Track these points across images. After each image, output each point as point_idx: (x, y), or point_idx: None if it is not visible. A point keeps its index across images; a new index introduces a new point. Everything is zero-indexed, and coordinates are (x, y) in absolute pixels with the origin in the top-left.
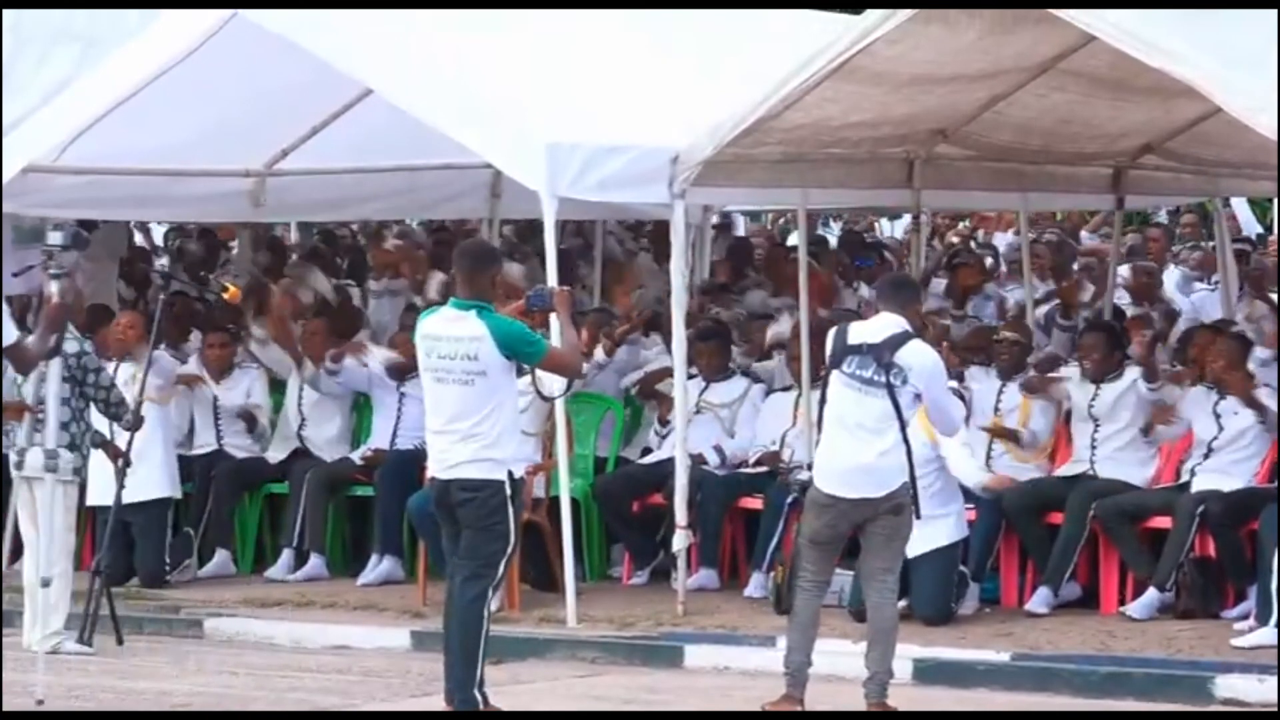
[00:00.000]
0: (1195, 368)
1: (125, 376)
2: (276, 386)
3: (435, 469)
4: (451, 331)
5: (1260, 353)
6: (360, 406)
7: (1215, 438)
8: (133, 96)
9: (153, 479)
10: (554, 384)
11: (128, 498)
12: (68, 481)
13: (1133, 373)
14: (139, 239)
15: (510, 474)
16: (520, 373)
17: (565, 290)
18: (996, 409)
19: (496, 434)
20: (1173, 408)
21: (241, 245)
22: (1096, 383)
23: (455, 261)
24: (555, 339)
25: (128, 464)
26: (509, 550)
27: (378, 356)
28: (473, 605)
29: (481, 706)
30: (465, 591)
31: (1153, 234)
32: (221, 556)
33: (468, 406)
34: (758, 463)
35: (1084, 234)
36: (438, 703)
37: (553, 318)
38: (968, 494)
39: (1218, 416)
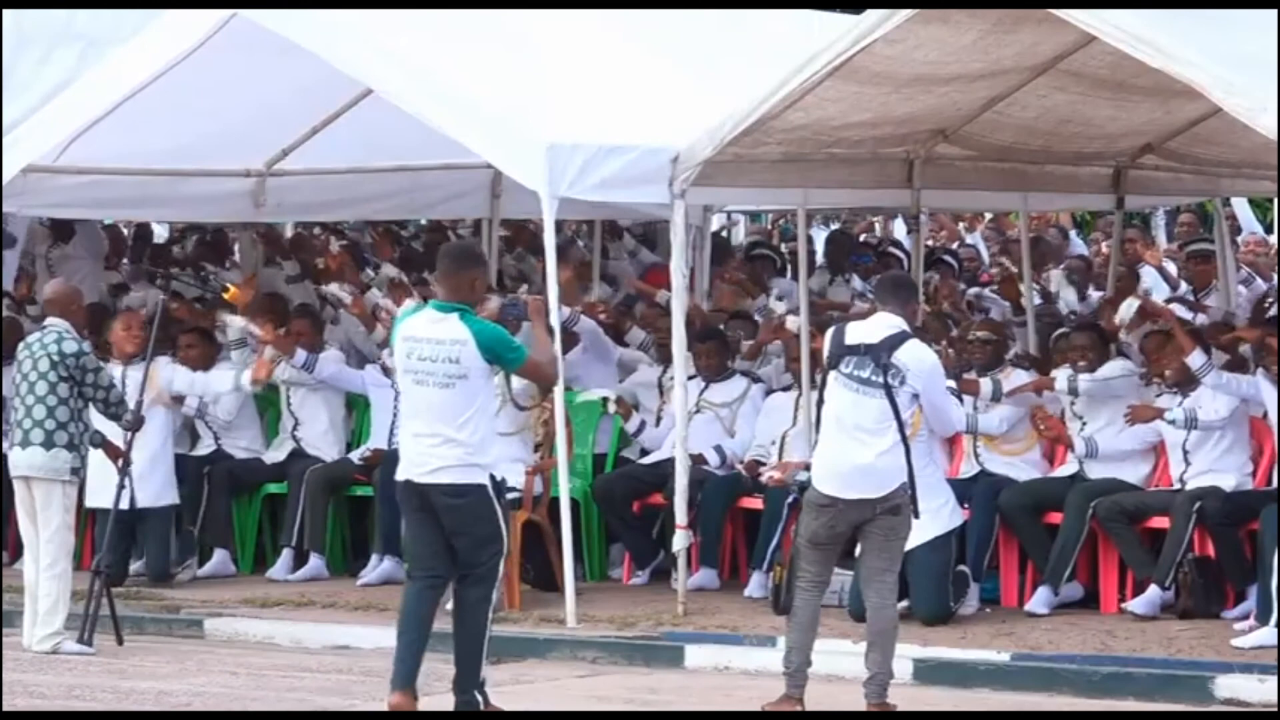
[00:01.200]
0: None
1: (136, 381)
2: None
3: (410, 472)
4: (433, 334)
5: (1194, 359)
6: (360, 407)
7: (1186, 438)
8: (133, 96)
9: (167, 486)
10: (527, 393)
11: (140, 503)
12: (66, 481)
13: (1112, 368)
14: (157, 230)
15: (492, 477)
16: None
17: (539, 299)
18: (975, 407)
19: (479, 439)
20: (1150, 406)
21: (244, 248)
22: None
23: (438, 263)
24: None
25: (128, 464)
26: (504, 551)
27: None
28: (478, 608)
29: (482, 707)
30: (468, 595)
31: (1130, 235)
32: (220, 556)
33: (448, 410)
34: (748, 466)
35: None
36: (438, 703)
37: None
38: (963, 494)
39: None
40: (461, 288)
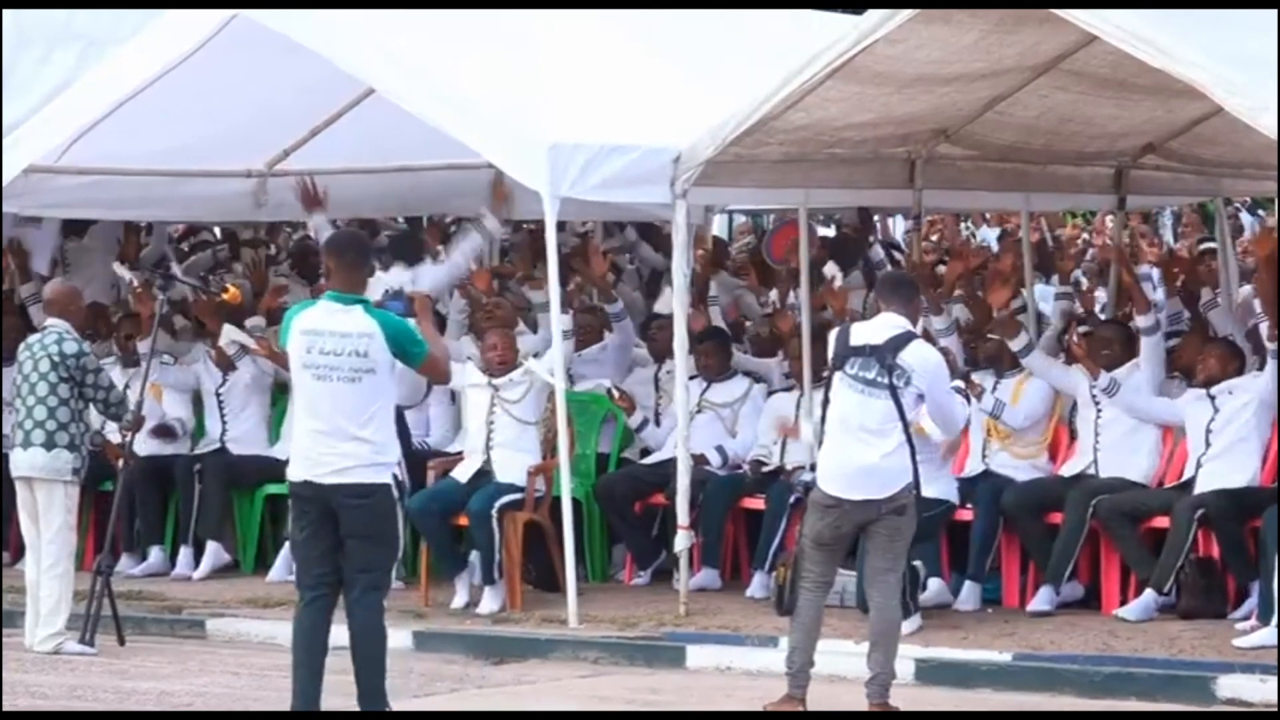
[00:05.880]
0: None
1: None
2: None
3: (310, 472)
4: (336, 326)
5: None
6: None
7: (1212, 419)
8: (134, 97)
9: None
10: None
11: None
12: (68, 482)
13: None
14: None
15: (395, 477)
16: None
17: (425, 297)
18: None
19: (383, 438)
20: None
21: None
22: (1107, 370)
23: (331, 253)
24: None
25: (128, 464)
26: (399, 555)
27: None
28: (374, 619)
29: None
30: (363, 603)
31: (1141, 230)
32: (213, 548)
33: (353, 406)
34: (752, 466)
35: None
36: (438, 703)
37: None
38: (966, 494)
39: (1212, 398)
40: (361, 280)
